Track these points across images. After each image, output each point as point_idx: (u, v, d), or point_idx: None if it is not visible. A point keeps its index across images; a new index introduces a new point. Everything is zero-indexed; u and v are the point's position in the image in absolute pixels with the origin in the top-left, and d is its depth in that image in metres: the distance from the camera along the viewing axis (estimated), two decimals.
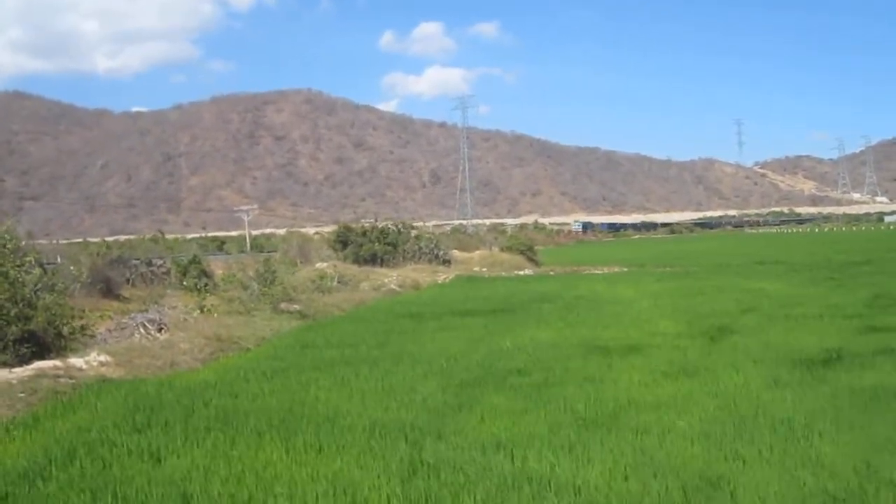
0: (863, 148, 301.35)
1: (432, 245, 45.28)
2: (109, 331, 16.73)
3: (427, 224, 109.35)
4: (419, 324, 17.87)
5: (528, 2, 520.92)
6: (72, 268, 21.77)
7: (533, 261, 52.09)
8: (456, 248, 54.02)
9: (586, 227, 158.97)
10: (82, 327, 15.49)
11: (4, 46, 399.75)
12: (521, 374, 10.97)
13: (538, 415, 8.48)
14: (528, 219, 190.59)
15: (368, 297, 27.33)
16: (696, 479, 6.15)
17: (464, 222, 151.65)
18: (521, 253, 53.95)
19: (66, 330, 14.76)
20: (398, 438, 7.67)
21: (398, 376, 11.10)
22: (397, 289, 30.52)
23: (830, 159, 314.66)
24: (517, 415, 8.54)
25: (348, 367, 12.14)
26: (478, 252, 55.19)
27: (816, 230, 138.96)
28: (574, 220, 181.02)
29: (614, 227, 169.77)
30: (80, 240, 67.79)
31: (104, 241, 37.66)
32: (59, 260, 25.17)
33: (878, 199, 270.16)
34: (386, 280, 32.14)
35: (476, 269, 44.26)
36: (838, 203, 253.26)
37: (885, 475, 6.04)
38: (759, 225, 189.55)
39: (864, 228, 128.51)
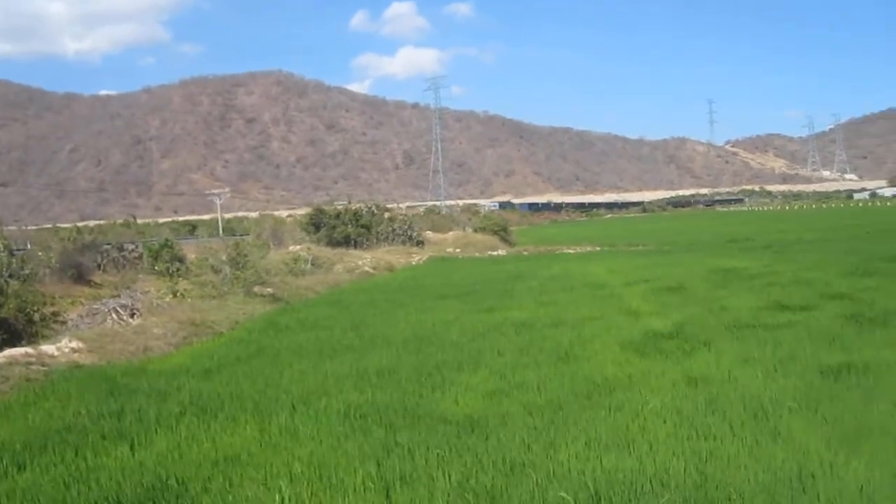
0: (832, 126, 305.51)
1: (406, 227, 45.27)
2: (81, 317, 16.56)
3: (400, 206, 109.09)
4: (394, 306, 17.88)
5: None
6: (40, 253, 21.50)
7: (507, 241, 52.32)
8: (429, 230, 54.06)
9: (503, 206, 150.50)
10: (53, 314, 15.41)
11: None
12: (497, 354, 11.00)
13: (511, 396, 8.52)
14: (502, 199, 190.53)
15: (342, 279, 27.30)
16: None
17: (437, 203, 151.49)
18: (495, 233, 54.12)
19: (36, 316, 14.67)
20: (373, 420, 7.69)
21: (373, 359, 11.11)
22: (371, 271, 30.50)
23: (800, 137, 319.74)
24: (490, 395, 8.58)
25: (322, 349, 12.14)
26: (451, 233, 55.22)
27: (787, 208, 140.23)
28: (490, 201, 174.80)
29: (535, 208, 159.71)
30: (49, 225, 66.93)
31: (75, 226, 37.19)
32: (28, 246, 24.85)
33: (848, 176, 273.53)
34: (360, 262, 32.09)
35: (450, 249, 44.33)
36: (808, 181, 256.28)
37: None
38: (729, 203, 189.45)
39: (833, 206, 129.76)
